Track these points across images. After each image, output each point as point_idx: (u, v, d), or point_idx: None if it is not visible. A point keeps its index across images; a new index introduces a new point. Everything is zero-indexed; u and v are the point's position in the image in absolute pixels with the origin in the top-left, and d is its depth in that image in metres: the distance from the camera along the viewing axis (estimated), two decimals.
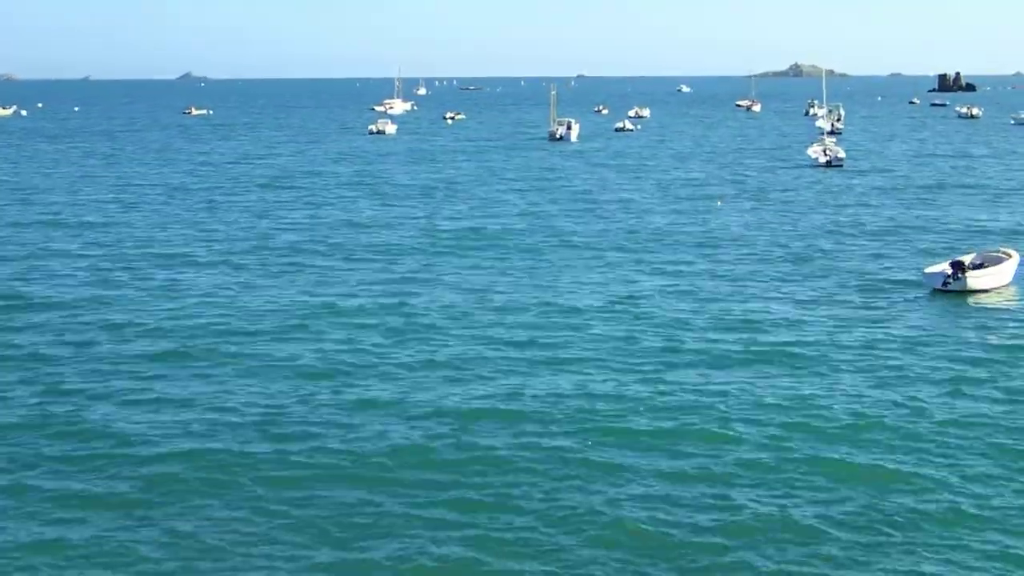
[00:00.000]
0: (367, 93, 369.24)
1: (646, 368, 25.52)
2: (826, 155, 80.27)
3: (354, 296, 33.46)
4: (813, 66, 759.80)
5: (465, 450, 19.97)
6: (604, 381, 24.34)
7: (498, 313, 30.78)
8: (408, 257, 40.94)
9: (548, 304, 31.96)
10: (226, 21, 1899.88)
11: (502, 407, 22.42)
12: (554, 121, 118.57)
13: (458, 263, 39.59)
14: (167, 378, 24.93)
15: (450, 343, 27.70)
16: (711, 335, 28.44)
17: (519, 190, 65.97)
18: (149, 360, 26.38)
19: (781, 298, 33.41)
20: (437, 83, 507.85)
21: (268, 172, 78.78)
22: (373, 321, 30.06)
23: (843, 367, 25.56)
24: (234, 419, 21.89)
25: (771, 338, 28.22)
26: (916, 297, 33.51)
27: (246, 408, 22.57)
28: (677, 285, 35.35)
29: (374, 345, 27.56)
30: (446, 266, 38.91)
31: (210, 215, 54.44)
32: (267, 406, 22.72)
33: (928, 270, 34.68)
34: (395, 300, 32.67)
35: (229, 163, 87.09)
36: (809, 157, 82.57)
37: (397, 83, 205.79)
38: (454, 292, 34.01)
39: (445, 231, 47.80)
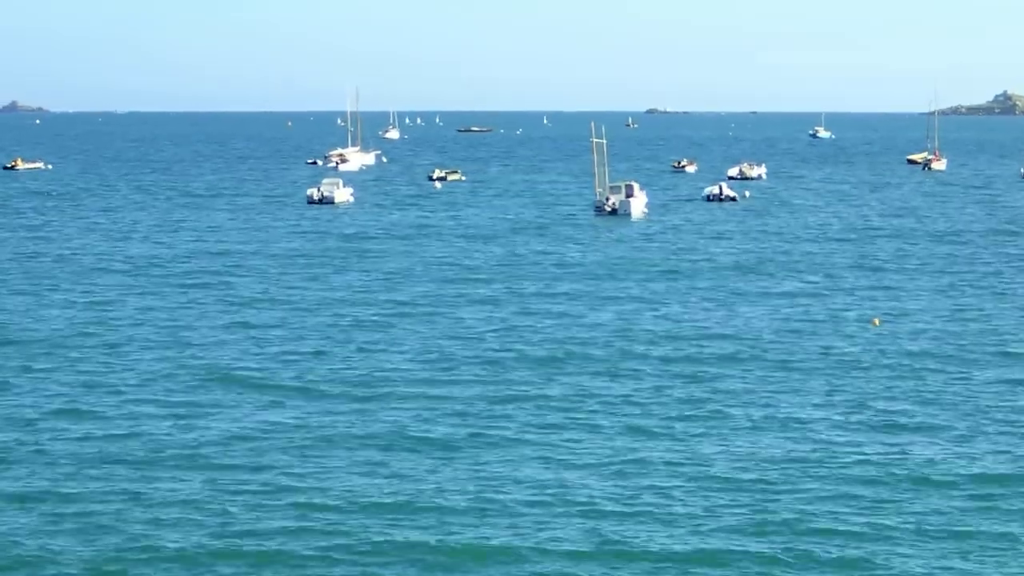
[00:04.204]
0: (302, 135, 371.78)
1: None
2: None
3: None
4: None
5: None
6: None
7: None
8: None
9: None
10: (71, 25, 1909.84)
11: None
12: (603, 185, 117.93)
13: None
14: None
15: None
16: None
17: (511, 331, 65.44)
18: None
19: None
20: (409, 120, 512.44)
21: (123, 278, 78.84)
22: None
23: None
24: None
25: None
26: None
27: None
28: None
29: None
30: None
31: None
32: None
33: None
34: None
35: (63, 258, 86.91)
36: None
37: (343, 122, 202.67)
38: None
39: None
